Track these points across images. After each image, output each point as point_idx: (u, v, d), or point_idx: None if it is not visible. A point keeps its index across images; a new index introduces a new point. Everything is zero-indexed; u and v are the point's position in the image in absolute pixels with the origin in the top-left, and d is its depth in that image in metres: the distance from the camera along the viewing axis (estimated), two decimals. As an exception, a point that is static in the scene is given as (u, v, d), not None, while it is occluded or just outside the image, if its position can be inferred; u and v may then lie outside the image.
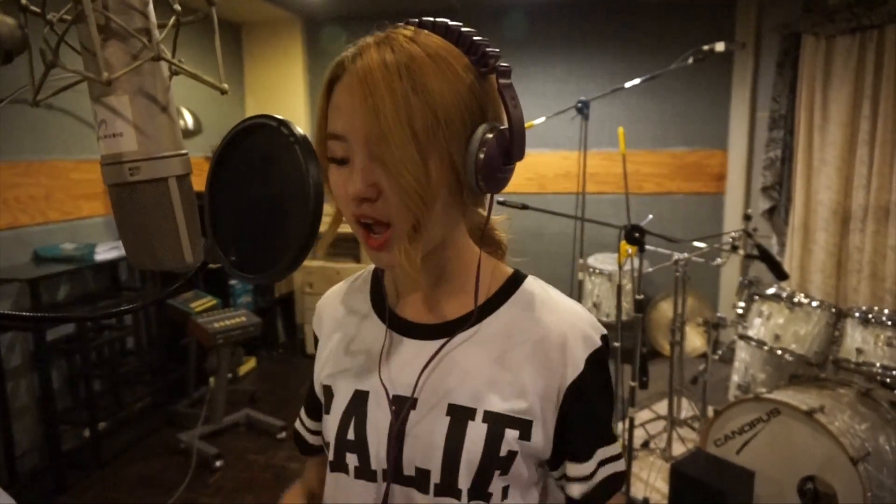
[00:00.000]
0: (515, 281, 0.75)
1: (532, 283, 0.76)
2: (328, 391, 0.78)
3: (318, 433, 0.89)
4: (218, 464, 2.97)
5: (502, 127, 0.64)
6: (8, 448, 2.75)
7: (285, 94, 4.87)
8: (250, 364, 4.29)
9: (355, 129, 0.62)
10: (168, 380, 3.62)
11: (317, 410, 0.85)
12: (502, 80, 0.64)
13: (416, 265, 0.63)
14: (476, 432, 0.67)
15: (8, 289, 2.84)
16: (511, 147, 0.64)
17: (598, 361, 0.71)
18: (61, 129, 3.15)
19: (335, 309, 0.85)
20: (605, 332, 0.73)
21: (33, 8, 0.47)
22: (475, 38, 0.65)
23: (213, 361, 3.32)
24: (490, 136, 0.63)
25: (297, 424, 0.93)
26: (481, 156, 0.62)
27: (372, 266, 0.83)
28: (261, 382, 4.08)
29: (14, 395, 2.85)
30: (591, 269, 4.10)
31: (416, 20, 0.67)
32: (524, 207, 2.27)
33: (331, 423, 0.75)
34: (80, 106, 3.19)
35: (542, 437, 0.69)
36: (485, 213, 0.75)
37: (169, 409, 3.50)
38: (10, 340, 2.85)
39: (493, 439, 0.67)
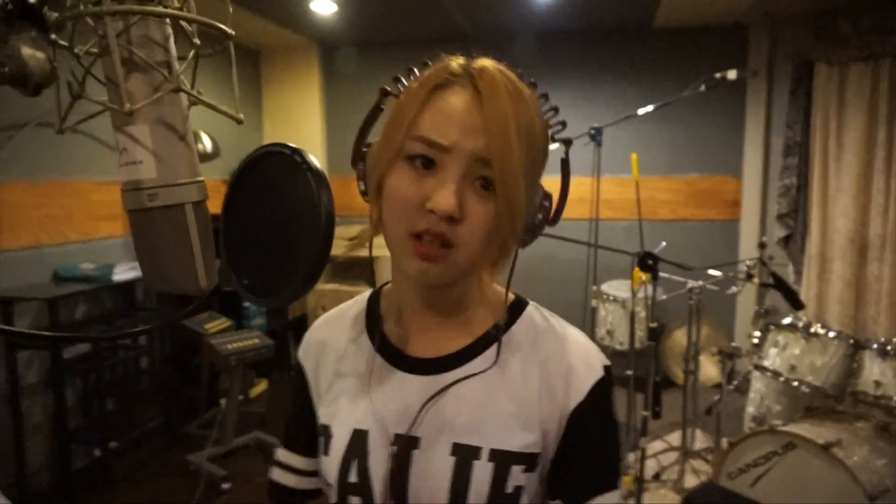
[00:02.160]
0: (517, 309, 0.74)
1: (533, 312, 0.74)
2: (326, 430, 0.73)
3: (309, 474, 0.81)
4: (226, 486, 2.96)
5: (551, 195, 0.68)
6: (20, 466, 2.76)
7: (302, 119, 4.95)
8: (262, 386, 4.29)
9: (465, 144, 0.60)
10: (180, 400, 3.63)
11: (306, 444, 0.80)
12: (567, 154, 0.69)
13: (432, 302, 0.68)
14: (482, 472, 0.65)
15: (27, 307, 2.88)
16: (557, 214, 0.68)
17: (601, 391, 0.68)
18: (83, 151, 3.22)
19: (329, 341, 0.79)
20: (608, 363, 0.71)
21: (62, 42, 0.50)
22: (545, 99, 0.68)
23: (225, 383, 3.33)
24: (546, 203, 0.67)
25: (277, 473, 0.82)
26: (541, 215, 0.66)
27: (365, 296, 0.80)
28: (272, 405, 4.07)
29: (29, 412, 2.88)
30: (604, 296, 4.07)
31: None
32: (536, 233, 2.27)
33: (331, 465, 0.71)
34: (102, 129, 3.24)
35: (546, 466, 0.69)
36: None
37: (180, 429, 3.50)
38: (28, 358, 2.89)
39: (500, 478, 0.65)
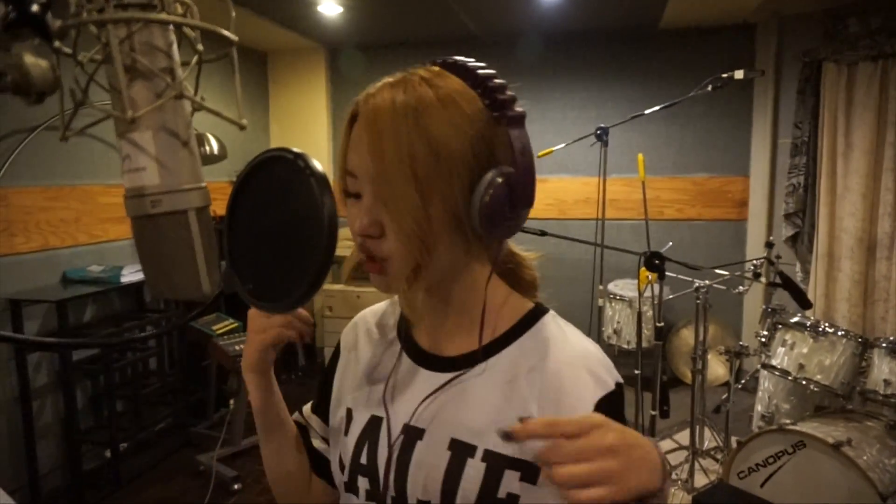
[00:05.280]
0: (533, 316, 0.73)
1: (549, 321, 0.73)
2: (349, 413, 0.79)
3: (326, 439, 0.86)
4: (236, 486, 2.97)
5: (511, 171, 0.63)
6: (32, 467, 2.79)
7: (309, 121, 4.96)
8: (269, 387, 4.30)
9: (363, 168, 0.64)
10: (189, 401, 3.65)
11: (324, 409, 0.85)
12: (512, 131, 0.64)
13: (416, 308, 0.66)
14: (474, 471, 0.66)
15: (37, 310, 2.90)
16: (516, 193, 0.63)
17: (609, 406, 0.65)
18: (92, 154, 3.25)
19: (367, 327, 0.85)
20: (620, 379, 0.69)
21: (66, 49, 0.50)
22: (491, 81, 0.65)
23: (233, 384, 3.34)
24: (500, 180, 0.62)
25: (296, 415, 0.89)
26: (486, 199, 0.62)
27: None
28: (279, 405, 4.08)
29: (39, 414, 2.90)
30: (611, 296, 4.06)
31: (440, 60, 0.68)
32: (542, 234, 2.27)
33: (348, 445, 0.76)
34: (110, 132, 3.28)
35: (552, 485, 0.67)
36: (505, 250, 0.75)
37: (189, 430, 3.52)
38: (37, 360, 2.91)
39: (491, 479, 0.65)
